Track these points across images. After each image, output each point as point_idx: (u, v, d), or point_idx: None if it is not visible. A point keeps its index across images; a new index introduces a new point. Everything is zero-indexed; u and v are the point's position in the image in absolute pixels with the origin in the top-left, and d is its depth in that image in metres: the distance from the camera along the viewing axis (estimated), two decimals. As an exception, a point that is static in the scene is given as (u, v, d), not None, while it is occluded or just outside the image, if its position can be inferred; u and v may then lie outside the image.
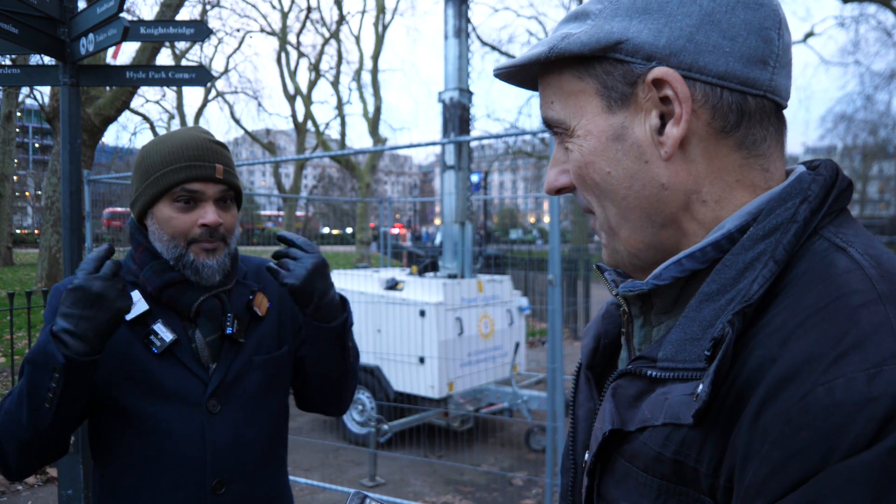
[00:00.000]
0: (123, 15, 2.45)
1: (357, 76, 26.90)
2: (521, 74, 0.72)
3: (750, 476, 0.50)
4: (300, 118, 27.82)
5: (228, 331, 1.38)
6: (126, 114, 26.84)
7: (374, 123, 25.55)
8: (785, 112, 0.65)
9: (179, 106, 28.81)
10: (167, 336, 1.33)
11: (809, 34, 21.39)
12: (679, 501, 0.56)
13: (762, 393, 0.51)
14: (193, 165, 1.33)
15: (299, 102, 28.17)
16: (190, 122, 30.12)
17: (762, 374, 0.51)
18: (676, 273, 0.63)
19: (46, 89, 13.88)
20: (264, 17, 27.89)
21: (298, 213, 29.60)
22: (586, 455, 0.68)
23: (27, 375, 1.20)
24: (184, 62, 24.09)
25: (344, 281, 5.75)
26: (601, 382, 0.78)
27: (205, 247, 1.35)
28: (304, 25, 28.06)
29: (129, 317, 1.34)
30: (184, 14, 24.81)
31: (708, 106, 0.60)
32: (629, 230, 0.66)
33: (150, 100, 36.87)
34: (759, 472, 0.49)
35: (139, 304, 1.35)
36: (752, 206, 0.61)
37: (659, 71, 0.60)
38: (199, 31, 2.89)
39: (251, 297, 1.46)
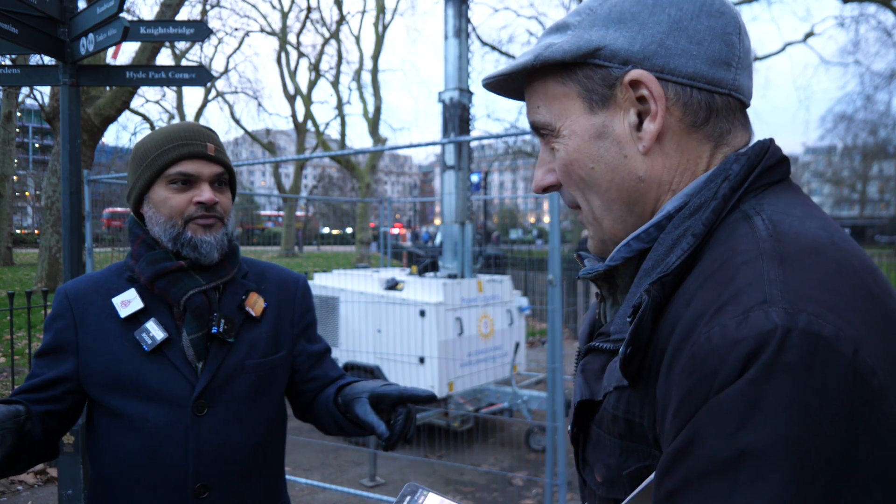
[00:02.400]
0: (123, 15, 2.45)
1: (357, 76, 26.93)
2: (508, 85, 0.78)
3: (666, 422, 0.57)
4: (300, 118, 27.82)
5: (213, 330, 1.35)
6: (126, 114, 26.83)
7: (374, 123, 25.56)
8: (749, 110, 0.73)
9: (179, 106, 28.78)
10: (159, 334, 1.32)
11: (809, 34, 21.33)
12: (637, 458, 0.64)
13: (671, 349, 0.58)
14: (185, 144, 1.36)
15: (299, 102, 28.21)
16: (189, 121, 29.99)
17: (673, 332, 0.59)
18: (626, 254, 0.70)
19: (46, 89, 13.89)
20: (264, 17, 27.85)
21: (298, 213, 29.58)
22: (568, 426, 0.77)
23: None
24: (184, 62, 24.09)
25: (344, 281, 5.75)
26: None
27: (201, 223, 1.36)
28: (304, 25, 28.02)
29: (123, 315, 1.34)
30: (184, 14, 24.82)
31: (679, 104, 0.67)
32: (612, 220, 0.72)
33: (150, 100, 36.74)
34: (669, 417, 0.56)
35: (134, 302, 1.35)
36: (689, 188, 0.68)
37: (635, 73, 0.67)
38: (199, 31, 2.90)
39: (244, 296, 1.43)
